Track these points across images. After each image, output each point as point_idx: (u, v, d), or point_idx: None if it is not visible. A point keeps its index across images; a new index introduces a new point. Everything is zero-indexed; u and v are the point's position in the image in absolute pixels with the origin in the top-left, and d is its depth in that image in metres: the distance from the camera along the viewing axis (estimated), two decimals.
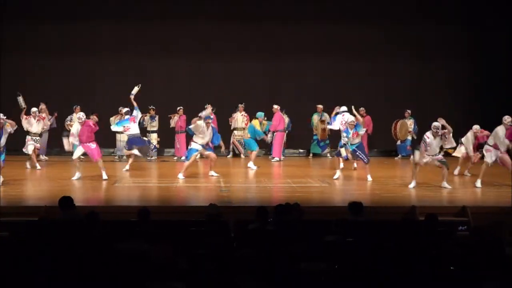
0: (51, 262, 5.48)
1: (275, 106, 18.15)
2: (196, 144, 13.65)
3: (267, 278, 4.98)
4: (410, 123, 18.50)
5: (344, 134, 13.55)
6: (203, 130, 13.54)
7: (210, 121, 13.81)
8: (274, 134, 17.74)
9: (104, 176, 13.20)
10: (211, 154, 13.89)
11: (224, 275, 4.92)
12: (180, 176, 13.47)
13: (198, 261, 5.44)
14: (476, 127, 14.03)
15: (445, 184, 12.31)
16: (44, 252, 5.87)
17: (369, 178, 13.32)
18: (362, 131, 13.67)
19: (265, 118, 16.90)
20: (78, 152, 13.53)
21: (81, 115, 13.64)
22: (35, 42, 19.15)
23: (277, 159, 17.88)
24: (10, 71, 18.56)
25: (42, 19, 19.05)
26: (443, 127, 12.27)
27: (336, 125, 14.65)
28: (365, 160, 13.46)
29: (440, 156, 12.45)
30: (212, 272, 5.08)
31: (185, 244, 6.58)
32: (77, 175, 13.26)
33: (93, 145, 13.42)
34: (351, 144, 13.49)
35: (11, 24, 18.75)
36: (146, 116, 17.89)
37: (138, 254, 5.58)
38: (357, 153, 13.45)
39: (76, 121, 13.79)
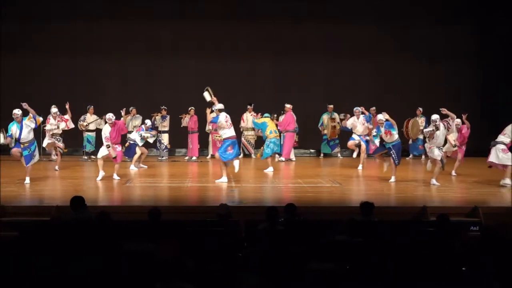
0: (61, 262, 5.50)
1: (288, 105, 18.11)
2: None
3: (275, 278, 4.98)
4: (421, 121, 18.38)
5: (375, 131, 13.80)
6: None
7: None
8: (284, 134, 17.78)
9: (116, 176, 13.36)
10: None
11: (233, 275, 4.92)
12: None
13: (207, 262, 5.43)
14: None
15: (434, 181, 12.52)
16: (54, 252, 5.89)
17: (393, 178, 13.19)
18: (394, 131, 13.49)
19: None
20: (103, 152, 13.46)
21: (111, 115, 13.59)
22: (44, 42, 19.23)
23: (283, 159, 17.83)
24: (18, 71, 18.74)
25: (51, 18, 19.14)
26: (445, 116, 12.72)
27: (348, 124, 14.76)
28: (396, 162, 13.19)
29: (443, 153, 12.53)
30: (221, 272, 5.07)
31: (195, 244, 6.58)
32: (101, 174, 13.30)
33: (119, 148, 13.57)
34: (386, 142, 13.44)
35: (19, 23, 18.91)
36: (157, 115, 17.92)
37: (146, 254, 5.59)
38: (391, 152, 13.19)
39: (105, 123, 13.71)
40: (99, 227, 7.23)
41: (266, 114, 16.48)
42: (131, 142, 16.06)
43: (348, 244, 6.78)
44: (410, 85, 19.76)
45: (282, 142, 17.59)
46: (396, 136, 13.30)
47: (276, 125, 16.87)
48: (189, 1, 19.57)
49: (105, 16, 19.37)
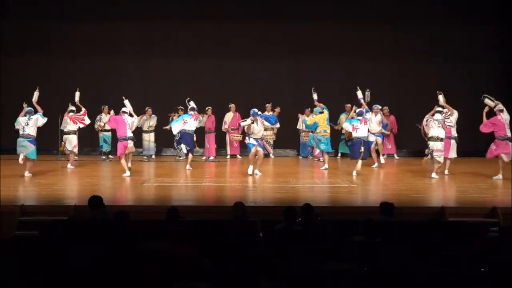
0: (79, 261, 5.53)
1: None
2: (253, 139, 14.07)
3: (291, 278, 4.97)
4: None
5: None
6: (255, 128, 14.03)
7: (258, 117, 14.17)
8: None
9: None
10: (260, 151, 14.14)
11: (249, 275, 4.91)
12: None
13: (224, 261, 5.44)
14: None
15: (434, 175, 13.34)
16: (72, 252, 5.92)
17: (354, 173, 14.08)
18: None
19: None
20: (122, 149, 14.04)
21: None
22: (61, 42, 19.37)
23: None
24: (35, 71, 18.88)
25: (70, 19, 19.29)
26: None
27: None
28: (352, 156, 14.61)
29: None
30: (237, 272, 5.07)
31: (212, 244, 6.59)
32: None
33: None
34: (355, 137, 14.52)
35: (40, 24, 19.13)
36: (174, 116, 17.95)
37: (164, 254, 5.60)
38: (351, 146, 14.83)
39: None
40: (118, 226, 7.26)
41: (317, 109, 16.20)
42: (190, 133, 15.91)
43: (365, 244, 6.76)
44: (429, 86, 19.61)
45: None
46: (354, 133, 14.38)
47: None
48: (208, 1, 19.59)
49: (121, 16, 19.44)
